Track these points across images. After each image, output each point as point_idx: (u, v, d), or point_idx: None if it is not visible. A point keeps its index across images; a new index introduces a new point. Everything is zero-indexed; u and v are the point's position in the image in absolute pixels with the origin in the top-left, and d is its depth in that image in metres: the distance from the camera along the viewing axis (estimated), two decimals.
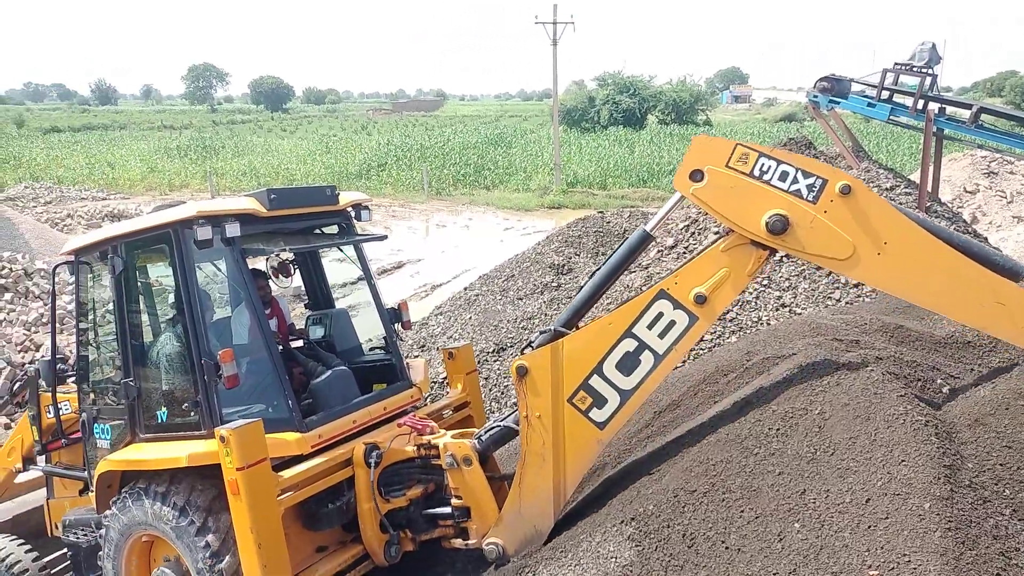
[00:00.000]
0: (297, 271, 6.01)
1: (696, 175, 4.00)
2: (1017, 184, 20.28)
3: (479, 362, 10.88)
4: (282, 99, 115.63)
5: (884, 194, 11.74)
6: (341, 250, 5.66)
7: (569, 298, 12.18)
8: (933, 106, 12.77)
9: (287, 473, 4.43)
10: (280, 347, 5.35)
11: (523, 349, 4.52)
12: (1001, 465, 3.42)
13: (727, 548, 3.53)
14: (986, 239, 13.54)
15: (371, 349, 5.96)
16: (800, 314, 8.25)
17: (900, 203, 11.81)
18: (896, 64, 12.92)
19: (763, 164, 3.88)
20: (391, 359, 5.56)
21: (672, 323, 4.10)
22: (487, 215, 29.74)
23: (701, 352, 8.44)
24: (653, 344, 4.12)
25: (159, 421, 4.83)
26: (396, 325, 5.70)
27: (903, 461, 3.34)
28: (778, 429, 3.98)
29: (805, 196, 3.81)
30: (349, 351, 5.77)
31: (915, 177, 13.91)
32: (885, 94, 13.13)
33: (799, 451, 3.77)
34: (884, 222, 3.73)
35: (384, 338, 5.67)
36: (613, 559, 3.87)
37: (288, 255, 5.80)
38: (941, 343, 5.59)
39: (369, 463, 4.71)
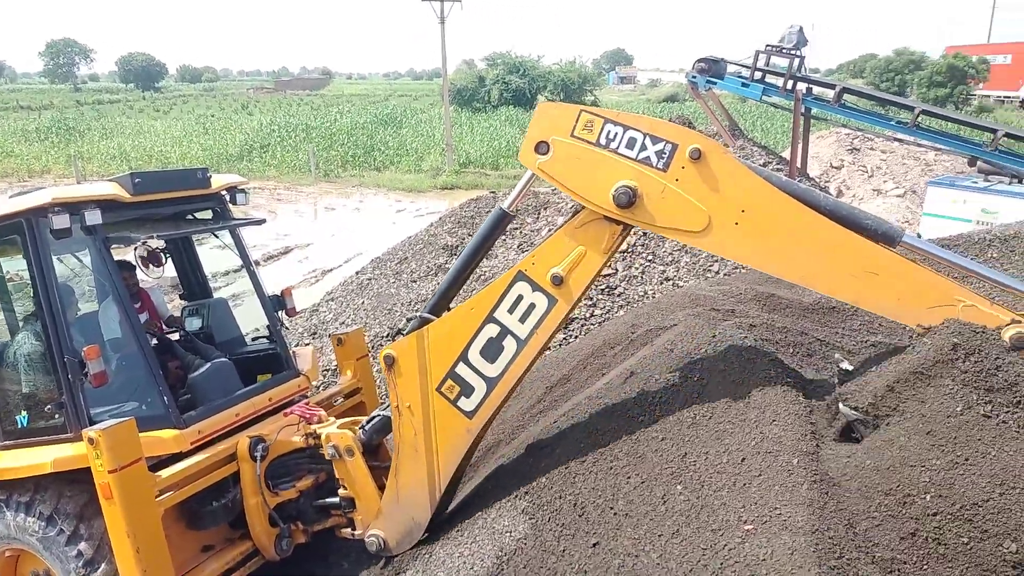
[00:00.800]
0: (169, 260, 5.67)
1: (541, 147, 3.72)
2: (877, 159, 21.87)
3: (373, 347, 10.68)
4: (154, 77, 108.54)
5: None
6: (217, 236, 5.39)
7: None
8: (801, 86, 13.55)
9: (165, 473, 4.21)
10: (155, 341, 5.06)
11: (394, 336, 4.43)
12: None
13: (615, 513, 3.65)
14: None
15: (255, 339, 5.73)
16: (682, 287, 8.60)
17: None
18: (767, 46, 13.60)
19: (609, 131, 3.56)
20: (275, 348, 5.37)
21: (532, 306, 3.88)
22: (378, 197, 29.19)
23: (592, 327, 8.66)
24: (515, 329, 3.92)
25: (20, 426, 4.48)
26: (280, 313, 5.51)
27: (774, 421, 3.55)
28: (660, 397, 4.13)
29: (655, 164, 3.49)
30: (230, 342, 5.53)
31: (787, 154, 14.75)
32: (758, 75, 13.82)
33: (680, 416, 3.93)
34: (741, 188, 3.41)
35: (267, 327, 5.47)
36: (508, 533, 3.93)
37: (158, 243, 5.46)
38: (809, 309, 5.98)
39: (255, 456, 4.55)
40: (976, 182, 16.13)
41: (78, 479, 4.12)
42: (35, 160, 36.98)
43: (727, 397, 3.88)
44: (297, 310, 5.74)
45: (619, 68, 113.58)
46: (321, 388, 7.15)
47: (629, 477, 3.80)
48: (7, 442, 4.46)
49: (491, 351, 3.98)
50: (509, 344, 3.95)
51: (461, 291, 4.45)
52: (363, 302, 12.10)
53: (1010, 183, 15.21)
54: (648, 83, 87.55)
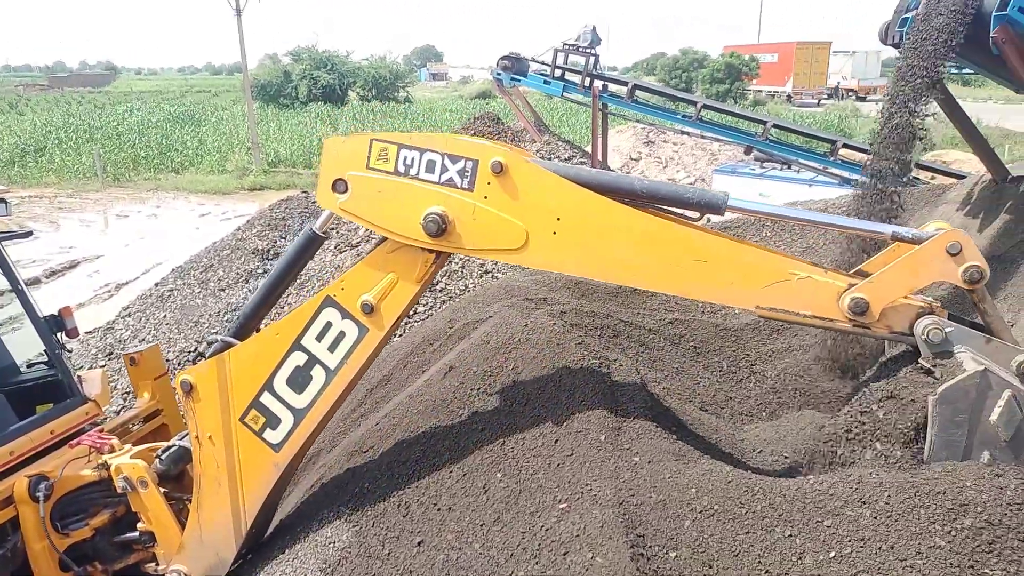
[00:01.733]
0: None
1: (339, 185, 3.40)
2: (670, 151, 23.73)
3: (179, 364, 9.95)
4: None
5: (565, 162, 12.93)
6: None
7: None
8: (598, 83, 14.35)
9: None
10: None
11: (195, 359, 4.09)
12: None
13: (439, 509, 3.64)
14: None
15: (31, 366, 5.09)
16: (499, 279, 8.80)
17: None
18: (564, 44, 14.25)
19: (405, 156, 3.29)
20: (56, 374, 4.80)
21: (342, 334, 3.58)
22: (178, 201, 27.12)
23: (414, 324, 8.62)
24: (323, 358, 3.61)
25: None
26: (61, 334, 4.93)
27: (582, 401, 3.72)
28: (479, 388, 4.19)
29: (459, 184, 3.25)
30: (0, 372, 4.87)
31: (590, 148, 15.56)
32: (558, 72, 14.45)
33: (498, 406, 4.01)
34: (552, 195, 3.21)
35: (44, 351, 4.88)
36: (331, 544, 3.79)
37: None
38: (614, 292, 6.35)
39: (36, 497, 4.04)
40: (753, 169, 18.02)
41: None
42: None
43: (540, 383, 4.01)
44: (79, 331, 5.17)
45: (430, 64, 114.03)
46: (121, 412, 6.52)
47: (451, 471, 3.81)
48: None
49: (299, 381, 3.65)
50: (318, 374, 3.64)
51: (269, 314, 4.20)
52: (165, 315, 11.22)
53: (781, 169, 17.14)
54: (460, 80, 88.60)
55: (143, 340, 10.41)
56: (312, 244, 3.78)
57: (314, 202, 15.23)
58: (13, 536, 4.11)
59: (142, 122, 41.88)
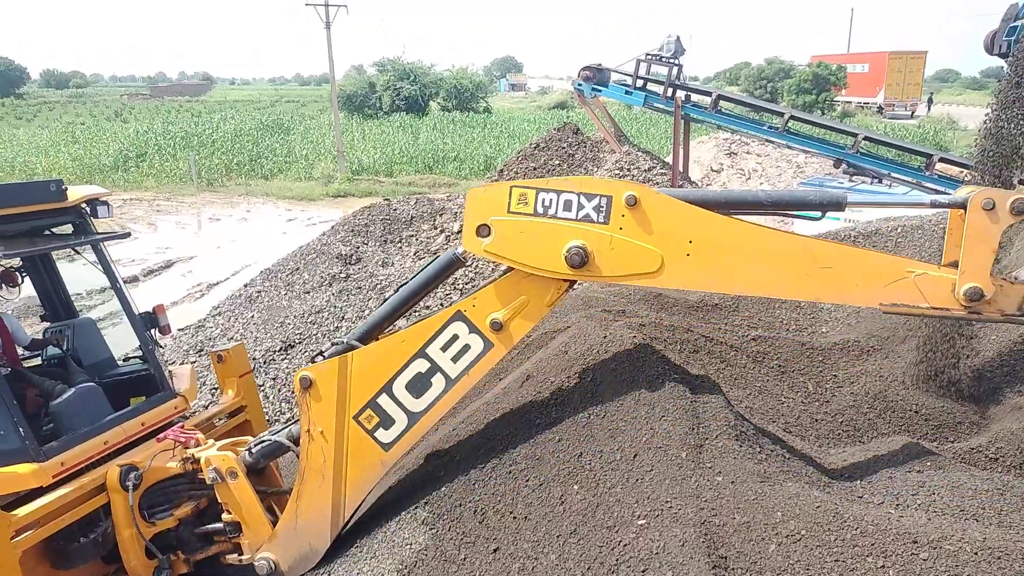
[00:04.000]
0: (26, 279, 5.22)
1: (483, 230, 3.70)
2: (753, 162, 23.12)
3: (265, 362, 10.30)
4: (14, 83, 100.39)
5: (643, 175, 12.79)
6: (80, 253, 5.01)
7: (359, 289, 11.92)
8: (680, 94, 14.12)
9: (23, 510, 3.85)
10: (7, 367, 4.63)
11: (313, 358, 4.25)
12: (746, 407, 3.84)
13: (515, 517, 3.63)
14: None
15: (127, 360, 5.36)
16: (575, 290, 8.74)
17: (657, 183, 12.96)
18: (647, 54, 14.10)
19: (544, 199, 3.62)
20: (148, 369, 5.04)
21: (467, 347, 3.86)
22: (267, 206, 28.19)
23: None
24: (446, 367, 3.89)
25: None
26: (153, 331, 5.17)
27: (663, 416, 3.63)
28: (556, 399, 4.15)
29: (596, 219, 3.55)
30: (98, 364, 5.15)
31: (671, 159, 15.32)
32: (640, 83, 14.31)
33: (575, 417, 3.96)
34: (682, 221, 3.48)
35: (139, 346, 5.13)
36: (408, 545, 3.83)
37: (14, 262, 5.02)
38: (694, 307, 6.20)
39: (126, 486, 4.23)
40: (842, 182, 17.34)
41: None
42: None
43: (619, 396, 3.94)
44: (179, 328, 5.41)
45: (510, 75, 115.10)
46: (208, 407, 6.79)
47: (528, 480, 3.79)
48: None
49: (418, 386, 3.92)
50: (437, 381, 3.91)
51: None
52: (253, 315, 11.64)
53: (872, 183, 16.44)
54: (539, 90, 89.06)
55: (232, 338, 10.83)
56: (453, 265, 4.07)
57: (395, 209, 15.58)
58: (104, 522, 4.32)
59: (235, 130, 43.78)
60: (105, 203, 4.88)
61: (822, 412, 4.98)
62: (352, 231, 14.34)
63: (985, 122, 5.23)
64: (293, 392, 9.66)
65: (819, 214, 3.50)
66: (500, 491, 3.83)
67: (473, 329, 3.85)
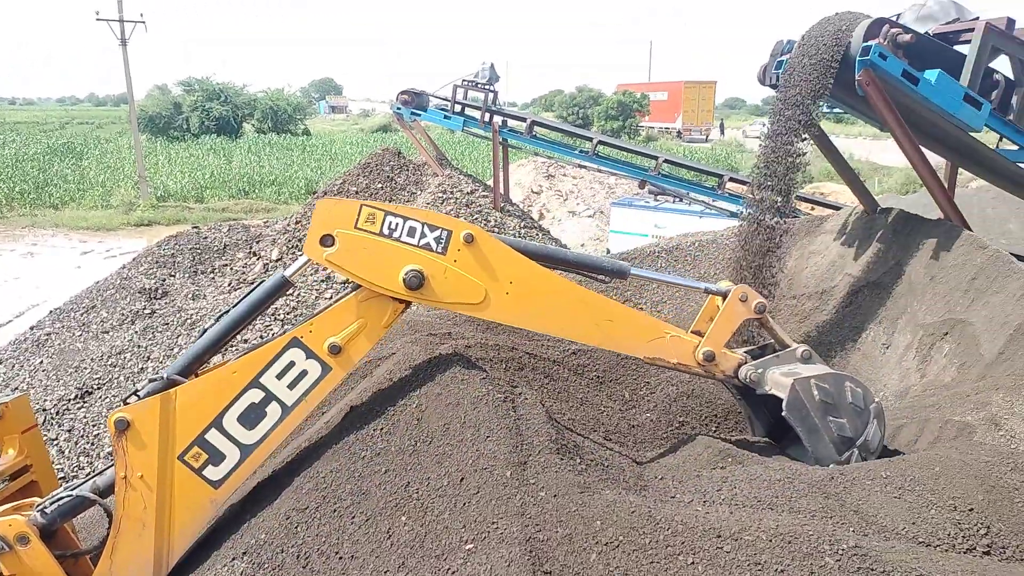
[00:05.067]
0: None
1: (327, 240, 3.89)
2: (569, 184, 24.33)
3: (58, 413, 9.24)
4: None
5: (465, 197, 13.02)
6: None
7: (166, 325, 11.03)
8: (497, 119, 14.56)
9: None
10: None
11: (126, 399, 3.89)
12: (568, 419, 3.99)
13: (341, 558, 3.49)
14: (549, 232, 15.90)
15: None
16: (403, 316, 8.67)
17: (479, 206, 13.24)
18: (464, 80, 14.43)
19: (390, 222, 3.90)
20: None
21: (304, 372, 3.90)
22: (57, 238, 25.42)
23: None
24: (281, 395, 3.88)
25: None
26: None
27: (488, 437, 3.67)
28: (381, 428, 4.06)
29: (435, 248, 3.92)
30: None
31: (492, 182, 15.73)
32: (459, 107, 14.59)
33: (402, 446, 3.90)
34: (507, 264, 3.98)
35: None
36: None
37: None
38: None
39: None
40: (648, 202, 18.72)
41: None
42: None
43: (445, 420, 3.94)
44: None
45: (329, 97, 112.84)
46: None
47: (354, 516, 3.67)
48: None
49: (251, 417, 3.84)
50: (273, 410, 3.87)
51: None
52: (41, 361, 10.43)
53: (674, 202, 17.89)
54: (360, 113, 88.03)
55: (16, 389, 9.63)
56: (281, 288, 4.04)
57: (206, 237, 14.64)
58: None
59: (16, 155, 39.19)
60: None
61: (638, 418, 5.30)
62: (157, 262, 13.26)
63: (761, 146, 5.88)
64: (93, 444, 8.76)
65: (607, 279, 4.44)
66: (324, 531, 3.67)
67: (310, 355, 3.91)
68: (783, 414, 4.03)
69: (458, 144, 41.59)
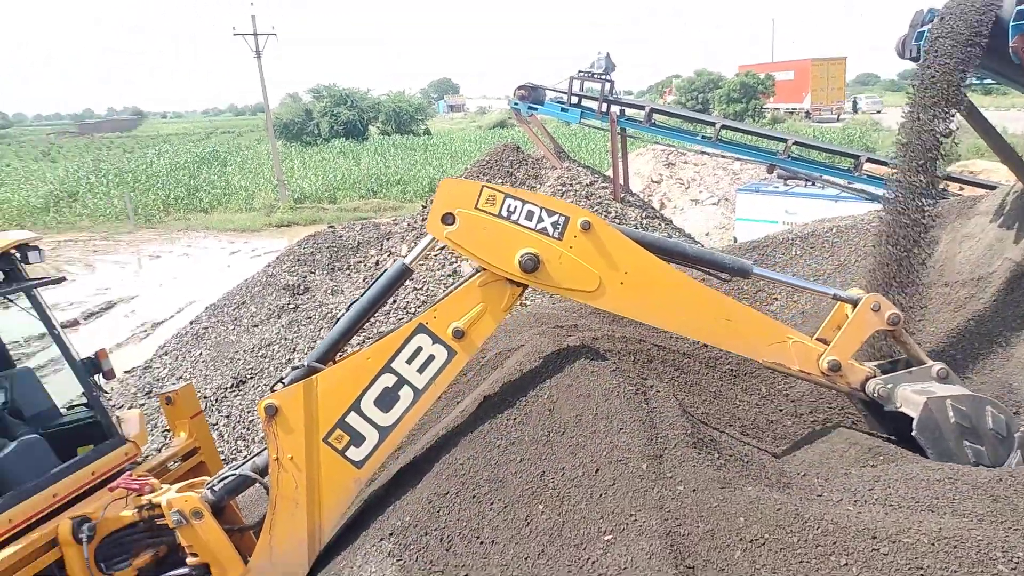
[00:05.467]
0: None
1: (447, 218, 4.02)
2: (691, 172, 23.69)
3: (216, 400, 10.04)
4: None
5: (584, 189, 12.97)
6: (10, 300, 4.82)
7: (309, 319, 11.73)
8: (615, 108, 14.38)
9: None
10: None
11: (273, 386, 4.21)
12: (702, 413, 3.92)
13: (482, 542, 3.61)
14: (671, 221, 15.56)
15: (71, 408, 5.17)
16: (527, 307, 8.79)
17: (599, 197, 13.17)
18: (580, 72, 14.34)
19: (509, 204, 3.99)
20: (95, 416, 4.87)
21: (431, 357, 4.06)
22: (208, 240, 27.60)
23: None
24: (412, 379, 4.06)
25: None
26: (96, 376, 5.00)
27: (621, 429, 3.67)
28: (515, 418, 4.16)
29: (551, 233, 3.97)
30: (41, 415, 4.95)
31: (611, 172, 15.58)
32: (575, 99, 14.54)
33: (535, 435, 3.97)
34: (623, 253, 3.98)
35: (83, 394, 4.95)
36: None
37: None
38: None
39: (80, 539, 4.08)
40: (777, 187, 17.89)
41: None
42: None
43: (576, 411, 3.97)
44: (115, 372, 5.25)
45: (447, 97, 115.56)
46: (156, 452, 6.58)
47: (492, 503, 3.78)
48: None
49: (386, 401, 4.04)
50: (405, 394, 4.05)
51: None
52: (201, 353, 11.35)
53: (806, 186, 17.00)
54: (478, 110, 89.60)
55: (180, 378, 10.53)
56: (402, 276, 4.23)
57: (341, 236, 15.41)
58: None
59: (170, 164, 42.87)
60: (36, 248, 4.72)
61: (777, 412, 5.11)
62: (298, 260, 14.11)
63: (903, 122, 5.47)
64: (248, 429, 9.47)
65: (728, 276, 4.30)
66: (465, 516, 3.80)
67: (436, 339, 4.06)
68: (913, 434, 3.78)
69: (574, 136, 41.45)
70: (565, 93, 14.66)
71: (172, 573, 4.35)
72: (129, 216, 31.61)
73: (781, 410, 5.04)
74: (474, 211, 4.01)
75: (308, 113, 53.77)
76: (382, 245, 14.44)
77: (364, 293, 4.26)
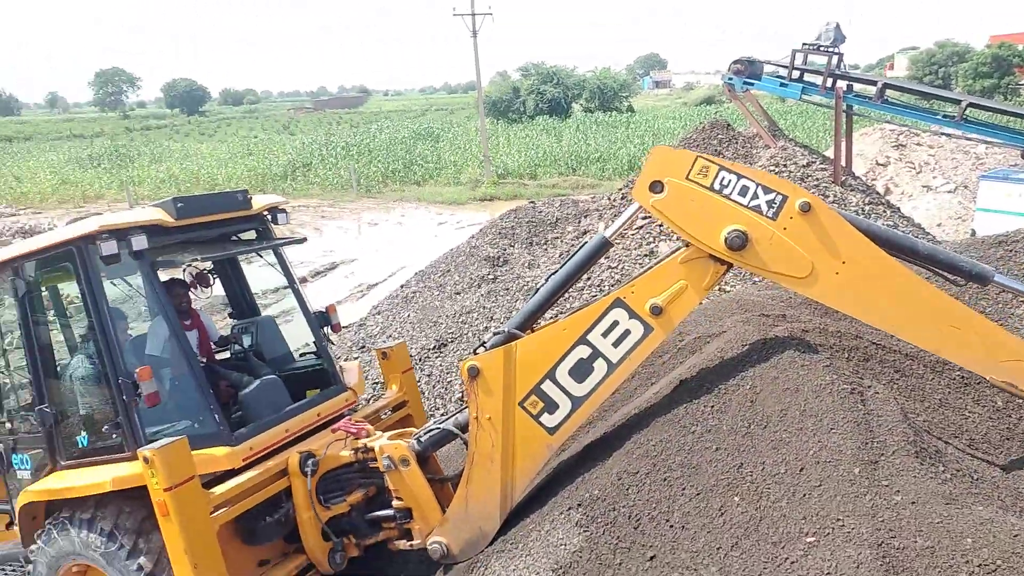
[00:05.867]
0: (217, 280, 5.79)
1: (656, 186, 3.92)
2: (924, 155, 21.28)
3: (420, 359, 10.77)
4: (198, 102, 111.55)
5: (800, 171, 12.14)
6: (261, 256, 5.48)
7: (506, 290, 12.18)
8: (841, 83, 13.23)
9: (219, 489, 4.27)
10: (204, 360, 5.15)
11: (475, 349, 4.46)
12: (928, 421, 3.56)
13: (671, 526, 3.57)
14: (899, 209, 14.15)
15: (302, 355, 5.80)
16: (729, 292, 8.45)
17: (816, 179, 12.25)
18: (804, 44, 13.34)
19: (723, 178, 3.81)
20: (322, 364, 5.42)
21: (627, 332, 4.03)
22: (419, 210, 29.48)
23: None
24: (607, 352, 4.06)
25: (80, 446, 4.59)
26: (325, 328, 5.57)
27: (832, 429, 3.44)
28: (712, 406, 4.04)
29: (765, 212, 3.75)
30: (278, 359, 5.61)
31: (830, 153, 14.43)
32: (796, 74, 13.56)
33: (734, 426, 3.84)
34: (843, 241, 3.67)
35: (314, 343, 5.53)
36: (563, 546, 3.88)
37: (206, 264, 5.58)
38: None
39: (305, 472, 4.59)
40: None
41: (135, 496, 4.20)
42: (89, 186, 38.27)
43: (781, 405, 3.78)
44: (342, 325, 5.79)
45: (653, 73, 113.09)
46: (366, 402, 7.21)
47: (684, 489, 3.72)
48: (69, 461, 4.58)
49: (580, 371, 4.10)
50: (599, 366, 4.08)
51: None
52: (408, 315, 12.20)
53: None
54: (684, 86, 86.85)
55: (390, 337, 11.42)
56: (602, 249, 4.26)
57: (540, 211, 15.76)
58: (286, 504, 4.70)
59: (390, 139, 46.13)
60: (284, 211, 5.32)
61: (1013, 429, 4.50)
62: (499, 233, 14.64)
63: None
64: (447, 389, 10.07)
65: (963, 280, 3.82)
66: (655, 498, 3.78)
67: (633, 315, 4.02)
68: None
69: (789, 113, 38.85)
70: (785, 67, 13.73)
71: (379, 512, 4.78)
72: (353, 186, 34.59)
73: (1018, 426, 4.43)
74: (684, 181, 3.87)
75: (515, 91, 55.22)
76: (580, 222, 14.55)
77: (563, 264, 4.32)
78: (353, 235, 25.56)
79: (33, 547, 4.59)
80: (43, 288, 4.90)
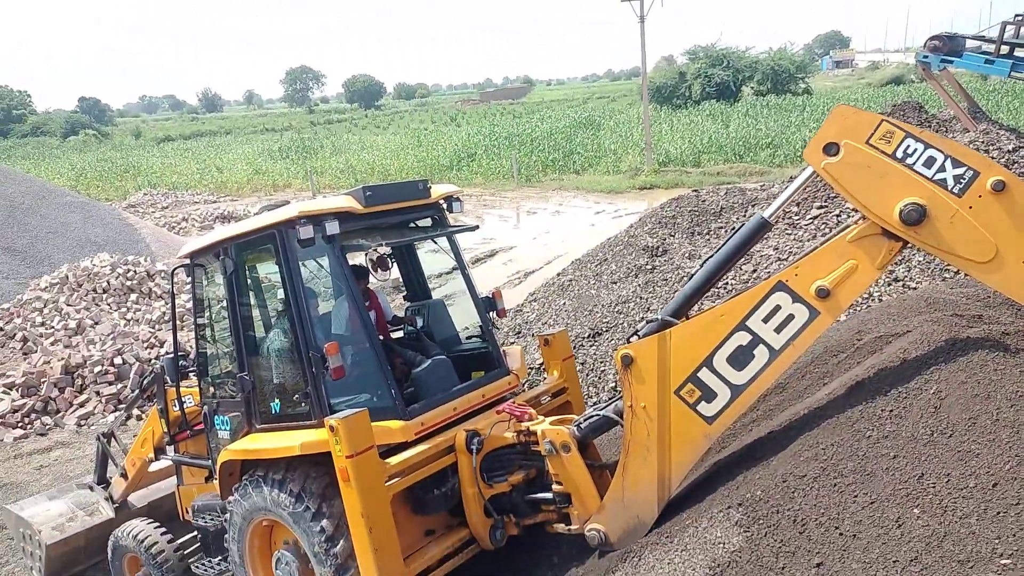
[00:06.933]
0: (395, 264, 6.18)
1: (831, 148, 3.67)
2: None
3: (574, 347, 10.87)
4: (375, 96, 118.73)
5: (1005, 156, 10.90)
6: (435, 242, 5.78)
7: (664, 281, 11.98)
8: None
9: (393, 460, 4.57)
10: (381, 338, 5.53)
11: (629, 338, 4.43)
12: None
13: (841, 534, 3.40)
14: None
15: (468, 337, 6.06)
16: (914, 288, 7.80)
17: (1023, 166, 10.94)
18: (1017, 16, 11.92)
19: (908, 146, 3.50)
20: (488, 347, 5.64)
21: (790, 317, 3.82)
22: (577, 199, 29.59)
23: None
24: (768, 339, 3.87)
25: (273, 412, 5.06)
26: (491, 313, 5.78)
27: None
28: (891, 410, 3.79)
29: (950, 187, 3.43)
30: (447, 340, 5.89)
31: None
32: (1005, 49, 12.14)
33: (914, 433, 3.58)
34: None
35: (480, 326, 5.76)
36: (721, 544, 3.80)
37: (385, 249, 5.97)
38: None
39: (471, 449, 4.81)
40: None
41: (320, 462, 4.59)
42: (279, 176, 42.06)
43: (970, 413, 3.47)
44: (506, 312, 5.99)
45: (834, 52, 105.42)
46: (526, 387, 7.40)
47: (856, 496, 3.52)
48: (263, 425, 5.09)
49: (740, 359, 3.95)
50: (760, 353, 3.92)
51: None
52: (564, 303, 12.34)
53: None
54: (868, 66, 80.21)
55: (545, 323, 11.63)
56: (760, 231, 4.08)
57: (704, 200, 15.30)
58: (452, 479, 4.95)
59: (551, 129, 46.54)
60: (458, 199, 5.58)
61: None
62: (659, 223, 14.37)
63: None
64: (599, 378, 10.11)
65: None
66: (823, 504, 3.61)
67: (797, 299, 3.80)
68: None
69: (993, 93, 34.78)
70: (991, 41, 12.34)
71: (538, 495, 4.92)
72: (514, 175, 35.33)
73: None
74: (863, 145, 3.57)
75: (682, 76, 53.59)
76: (746, 212, 13.97)
77: (720, 247, 4.17)
78: (512, 223, 26.15)
79: (230, 500, 5.11)
80: (246, 267, 5.46)
